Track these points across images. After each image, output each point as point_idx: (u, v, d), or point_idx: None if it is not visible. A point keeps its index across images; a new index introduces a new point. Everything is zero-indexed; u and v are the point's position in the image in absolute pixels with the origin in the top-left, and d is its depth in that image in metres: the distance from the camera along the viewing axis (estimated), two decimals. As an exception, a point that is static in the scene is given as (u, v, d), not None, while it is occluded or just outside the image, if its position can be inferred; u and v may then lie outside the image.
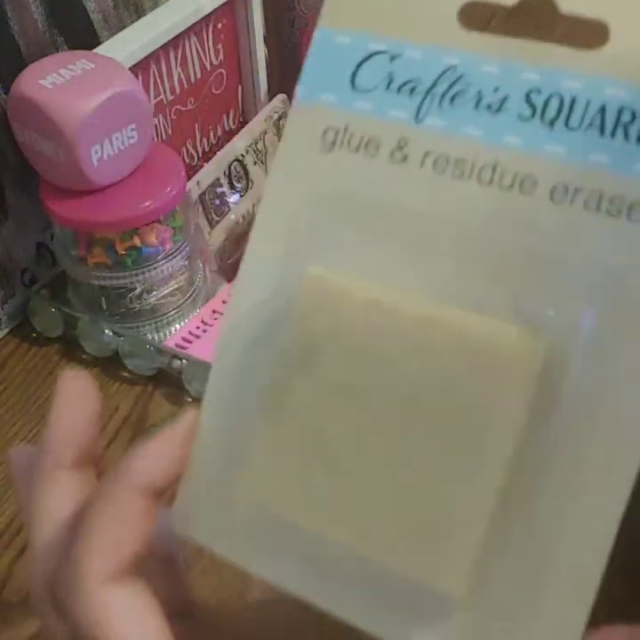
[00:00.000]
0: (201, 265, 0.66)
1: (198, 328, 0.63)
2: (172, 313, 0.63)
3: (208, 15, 0.69)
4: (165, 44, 0.65)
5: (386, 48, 0.24)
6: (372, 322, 0.22)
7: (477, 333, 0.21)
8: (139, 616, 0.23)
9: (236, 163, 0.69)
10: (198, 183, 0.65)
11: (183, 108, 0.71)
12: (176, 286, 0.63)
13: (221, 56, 0.73)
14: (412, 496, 0.21)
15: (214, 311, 0.64)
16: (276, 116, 0.72)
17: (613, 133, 0.21)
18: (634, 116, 0.21)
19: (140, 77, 0.64)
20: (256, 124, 0.71)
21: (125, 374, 0.62)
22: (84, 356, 0.63)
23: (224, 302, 0.65)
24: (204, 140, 0.75)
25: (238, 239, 0.69)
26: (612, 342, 0.20)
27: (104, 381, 0.62)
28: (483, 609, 0.21)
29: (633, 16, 0.21)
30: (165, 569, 0.27)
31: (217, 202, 0.67)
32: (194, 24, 0.67)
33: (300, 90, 0.25)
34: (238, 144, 0.70)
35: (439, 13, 0.23)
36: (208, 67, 0.72)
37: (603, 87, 0.21)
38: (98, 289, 0.62)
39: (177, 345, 0.61)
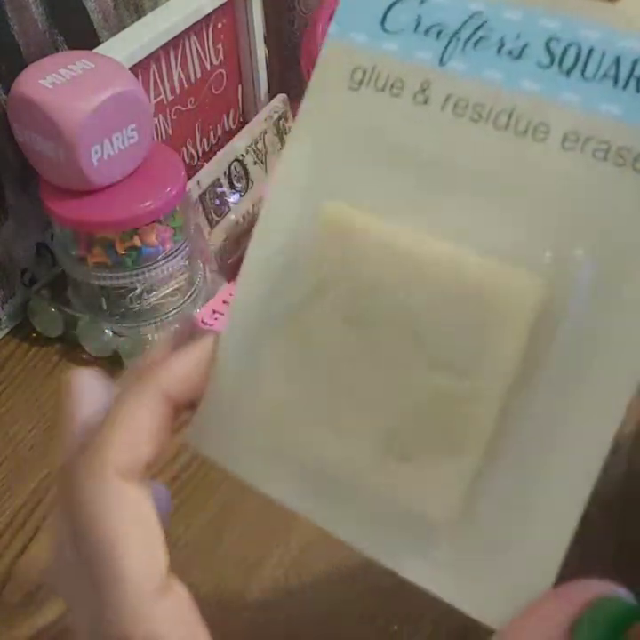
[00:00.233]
0: (201, 265, 0.66)
1: (198, 328, 0.63)
2: (172, 313, 0.63)
3: (208, 15, 0.69)
4: (165, 44, 0.65)
5: None
6: (382, 258, 0.23)
7: (480, 273, 0.22)
8: (138, 518, 0.24)
9: (235, 163, 0.69)
10: (198, 183, 0.65)
11: (183, 108, 0.71)
12: (176, 286, 0.63)
13: (221, 56, 0.73)
14: (406, 423, 0.22)
15: (214, 311, 0.64)
16: (275, 116, 0.72)
17: (626, 85, 0.21)
18: None
19: (140, 77, 0.64)
20: (256, 124, 0.71)
21: (125, 374, 0.62)
22: (84, 356, 0.63)
23: (224, 302, 0.65)
24: (204, 140, 0.75)
25: (238, 239, 0.69)
26: (612, 286, 0.21)
27: (104, 381, 0.62)
28: (470, 537, 0.22)
29: None
30: None
31: (217, 202, 0.67)
32: (194, 24, 0.67)
33: (332, 27, 0.25)
34: (238, 144, 0.70)
35: None
36: (208, 67, 0.72)
37: (618, 38, 0.22)
38: (98, 289, 0.62)
39: (177, 345, 0.61)
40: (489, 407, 0.22)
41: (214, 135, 0.76)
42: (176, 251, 0.61)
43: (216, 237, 0.67)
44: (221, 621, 0.48)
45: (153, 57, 0.65)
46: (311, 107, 0.25)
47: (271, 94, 0.77)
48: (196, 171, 0.67)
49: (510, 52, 0.23)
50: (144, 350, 0.60)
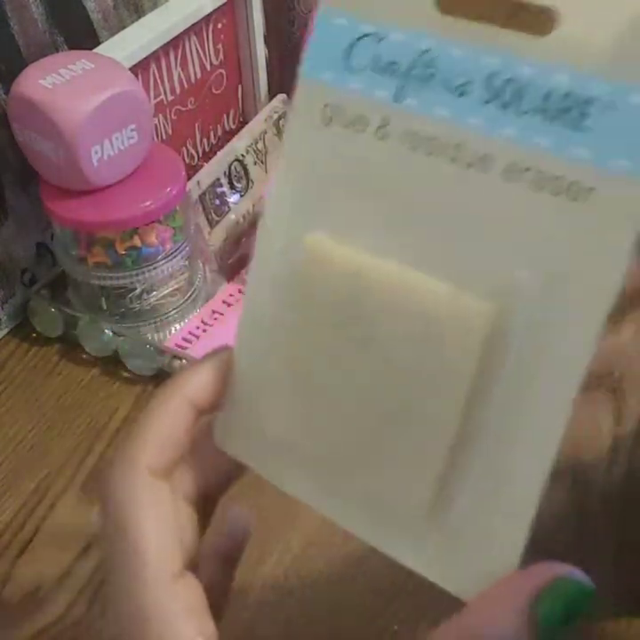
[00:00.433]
0: (201, 265, 0.66)
1: (198, 328, 0.63)
2: (172, 313, 0.63)
3: (208, 15, 0.69)
4: (165, 44, 0.65)
5: (374, 30, 0.26)
6: (352, 286, 0.26)
7: (438, 300, 0.25)
8: (162, 511, 0.27)
9: (236, 163, 0.69)
10: (198, 183, 0.65)
11: (183, 108, 0.71)
12: (176, 286, 0.63)
13: (221, 56, 0.73)
14: (380, 427, 0.26)
15: (214, 311, 0.64)
16: (275, 116, 0.72)
17: (555, 118, 0.23)
18: (574, 103, 0.23)
19: (139, 77, 0.64)
20: (256, 124, 0.71)
21: (125, 374, 0.62)
22: (84, 356, 0.63)
23: (224, 302, 0.65)
24: (204, 140, 0.75)
25: (238, 239, 0.69)
26: (554, 304, 0.23)
27: (104, 381, 0.62)
28: (445, 522, 0.25)
29: (579, 2, 0.23)
30: None
31: (217, 202, 0.67)
32: (194, 24, 0.67)
33: (304, 65, 0.28)
34: (238, 144, 0.70)
35: None
36: (208, 67, 0.72)
37: (550, 73, 0.23)
38: (98, 289, 0.62)
39: (177, 345, 0.61)
40: (450, 414, 0.24)
41: (214, 135, 0.76)
42: (176, 251, 0.61)
43: (216, 237, 0.67)
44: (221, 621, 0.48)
45: (153, 57, 0.65)
46: (291, 140, 0.28)
47: (271, 94, 0.77)
48: (196, 171, 0.67)
49: (456, 89, 0.25)
50: (144, 350, 0.60)
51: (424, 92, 0.25)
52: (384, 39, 0.26)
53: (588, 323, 0.23)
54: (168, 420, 0.27)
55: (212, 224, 0.67)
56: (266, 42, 0.75)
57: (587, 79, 0.23)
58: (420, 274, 0.25)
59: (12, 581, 0.50)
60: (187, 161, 0.73)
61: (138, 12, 0.68)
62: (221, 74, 0.74)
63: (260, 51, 0.75)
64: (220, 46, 0.72)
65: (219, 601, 0.30)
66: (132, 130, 0.57)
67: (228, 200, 0.68)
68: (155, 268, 0.60)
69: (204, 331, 0.63)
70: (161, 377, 0.61)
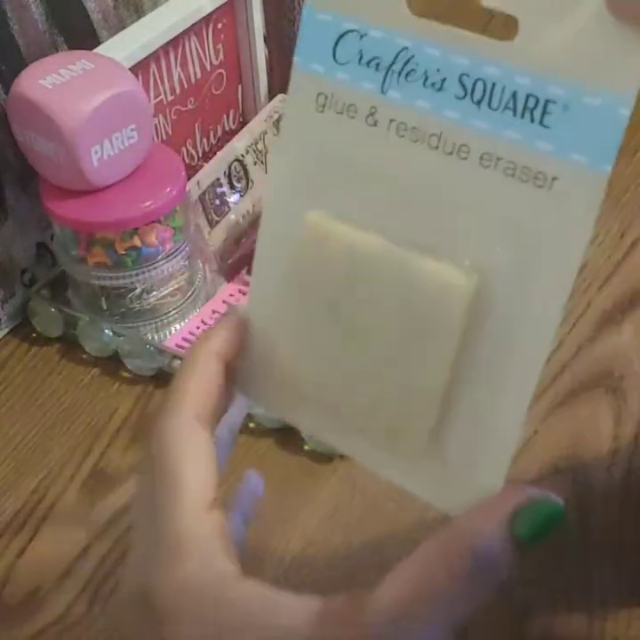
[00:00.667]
0: (201, 265, 0.66)
1: (198, 328, 0.63)
2: (172, 313, 0.63)
3: (208, 15, 0.69)
4: (165, 44, 0.65)
5: (356, 27, 0.29)
6: (349, 259, 0.29)
7: (425, 272, 0.28)
8: (201, 448, 0.29)
9: (236, 163, 0.69)
10: (198, 183, 0.65)
11: (183, 108, 0.71)
12: (176, 286, 0.63)
13: (221, 56, 0.73)
14: (382, 373, 0.29)
15: (214, 311, 0.64)
16: (276, 116, 0.72)
17: (522, 115, 0.26)
18: (536, 102, 0.26)
19: (140, 77, 0.64)
20: (256, 124, 0.71)
21: (125, 374, 0.62)
22: (84, 356, 0.63)
23: (224, 302, 0.65)
24: (204, 140, 0.75)
25: (238, 239, 0.69)
26: (525, 275, 0.27)
27: (104, 381, 0.62)
28: (438, 453, 0.29)
29: (536, 10, 0.26)
30: None
31: (217, 202, 0.67)
32: (194, 24, 0.67)
33: (296, 57, 0.30)
34: (238, 144, 0.70)
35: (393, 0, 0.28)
36: (208, 67, 0.72)
37: (514, 75, 0.26)
38: (98, 289, 0.62)
39: (177, 345, 0.61)
40: (440, 365, 0.28)
41: (214, 135, 0.76)
42: (176, 251, 0.61)
43: (216, 237, 0.67)
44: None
45: (153, 57, 0.65)
46: (290, 123, 0.31)
47: (271, 94, 0.77)
48: (196, 171, 0.67)
49: (433, 84, 0.28)
50: (144, 350, 0.60)
51: (406, 86, 0.28)
52: (366, 35, 0.29)
53: (555, 290, 0.26)
54: (202, 373, 0.30)
55: (211, 224, 0.67)
56: (266, 42, 0.75)
57: (545, 82, 0.26)
58: (409, 249, 0.28)
59: (12, 581, 0.50)
60: (187, 161, 0.73)
61: (138, 12, 0.68)
62: (221, 74, 0.74)
63: (260, 51, 0.75)
64: (219, 46, 0.72)
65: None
66: (132, 130, 0.57)
67: (228, 200, 0.68)
68: (155, 268, 0.60)
69: (204, 331, 0.63)
70: (161, 377, 0.61)
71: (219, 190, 0.67)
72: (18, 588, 0.50)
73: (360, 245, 0.29)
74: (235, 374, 0.32)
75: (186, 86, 0.70)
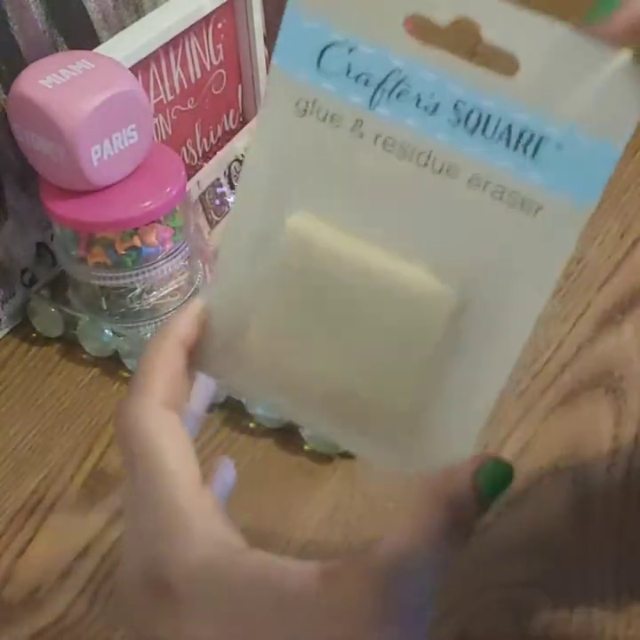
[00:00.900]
0: (201, 265, 0.66)
1: (198, 328, 0.63)
2: (172, 313, 0.63)
3: (208, 15, 0.69)
4: (165, 44, 0.65)
5: (344, 39, 0.29)
6: (336, 263, 0.30)
7: (410, 281, 0.29)
8: (178, 434, 0.30)
9: (236, 163, 0.69)
10: (198, 183, 0.65)
11: (183, 108, 0.71)
12: (176, 286, 0.63)
13: (221, 56, 0.73)
14: (366, 372, 0.30)
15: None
16: (276, 116, 0.72)
17: (516, 147, 0.27)
18: (531, 137, 0.27)
19: (139, 77, 0.64)
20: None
21: (125, 374, 0.62)
22: (84, 356, 0.63)
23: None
24: (204, 140, 0.75)
25: (238, 239, 0.69)
26: (504, 288, 0.29)
27: (104, 381, 0.62)
28: (421, 434, 0.31)
29: (538, 53, 0.27)
30: None
31: (217, 202, 0.67)
32: (194, 24, 0.67)
33: (275, 59, 0.30)
34: (238, 144, 0.70)
35: (389, 18, 0.28)
36: (208, 67, 0.72)
37: (511, 110, 0.27)
38: (98, 289, 0.62)
39: (177, 345, 0.61)
40: (418, 367, 0.30)
41: (214, 135, 0.76)
42: (176, 251, 0.61)
43: (216, 237, 0.67)
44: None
45: (153, 57, 0.65)
46: (266, 125, 0.30)
47: (271, 94, 0.77)
48: (196, 171, 0.67)
49: (426, 108, 0.28)
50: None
51: (396, 105, 0.28)
52: (354, 50, 0.29)
53: (528, 307, 0.28)
54: (167, 359, 0.31)
55: (211, 224, 0.67)
56: (266, 42, 0.75)
57: (542, 120, 0.27)
58: (394, 258, 0.29)
59: (12, 581, 0.50)
60: (187, 161, 0.73)
61: (138, 12, 0.68)
62: (221, 74, 0.74)
63: (260, 51, 0.75)
64: (219, 46, 0.72)
65: None
66: (132, 130, 0.57)
67: (228, 200, 0.68)
68: (155, 268, 0.60)
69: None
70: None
71: (219, 190, 0.67)
72: (18, 588, 0.50)
73: (343, 250, 0.29)
74: (196, 359, 0.32)
75: (186, 86, 0.70)
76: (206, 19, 0.69)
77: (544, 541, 0.51)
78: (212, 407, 0.37)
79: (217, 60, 0.72)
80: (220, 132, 0.76)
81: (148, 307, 0.63)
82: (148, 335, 0.62)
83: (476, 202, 0.28)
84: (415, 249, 0.29)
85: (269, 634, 0.28)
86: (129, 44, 0.63)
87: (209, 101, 0.73)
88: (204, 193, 0.66)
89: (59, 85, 0.55)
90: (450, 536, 0.28)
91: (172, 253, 0.61)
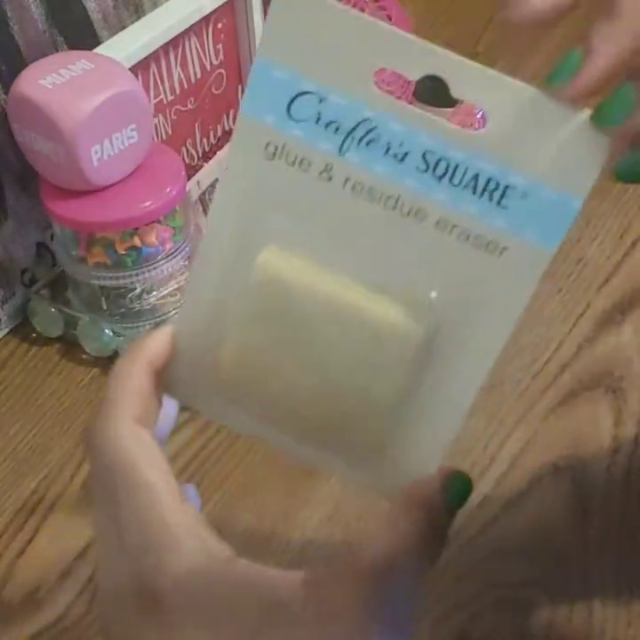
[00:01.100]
0: (201, 265, 0.66)
1: (198, 328, 0.63)
2: (172, 313, 0.63)
3: (208, 15, 0.69)
4: (165, 44, 0.65)
5: (315, 90, 0.29)
6: (306, 299, 0.30)
7: (378, 316, 0.30)
8: (153, 450, 0.30)
9: (235, 163, 0.69)
10: (198, 183, 0.65)
11: (183, 108, 0.71)
12: (176, 286, 0.63)
13: (221, 56, 0.73)
14: (334, 400, 0.31)
15: (214, 311, 0.64)
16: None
17: (482, 194, 0.29)
18: (497, 186, 0.29)
19: (139, 77, 0.64)
20: (256, 124, 0.71)
21: (125, 374, 0.62)
22: (84, 356, 0.63)
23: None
24: (204, 140, 0.75)
25: (238, 239, 0.69)
26: (468, 324, 0.30)
27: (104, 381, 0.62)
28: (392, 456, 0.32)
29: (504, 109, 0.28)
30: None
31: (217, 202, 0.67)
32: (194, 24, 0.67)
33: (244, 105, 0.30)
34: (238, 144, 0.69)
35: (359, 71, 0.29)
36: (208, 67, 0.72)
37: (478, 161, 0.29)
38: (98, 289, 0.62)
39: (177, 345, 0.61)
40: (390, 393, 0.31)
41: (214, 135, 0.76)
42: (176, 251, 0.61)
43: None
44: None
45: (153, 57, 0.65)
46: (235, 167, 0.31)
47: (271, 94, 0.77)
48: (196, 171, 0.67)
49: (395, 155, 0.29)
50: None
51: (366, 152, 0.30)
52: (325, 100, 0.29)
53: (493, 340, 0.30)
54: (137, 381, 0.32)
55: (211, 224, 0.67)
56: (266, 42, 0.75)
57: (508, 171, 0.29)
58: (363, 293, 0.30)
59: (12, 581, 0.50)
60: (187, 161, 0.73)
61: (138, 12, 0.68)
62: (221, 74, 0.74)
63: (260, 51, 0.75)
64: (219, 46, 0.72)
65: None
66: (132, 130, 0.57)
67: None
68: (155, 268, 0.60)
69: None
70: (161, 377, 0.61)
71: (219, 190, 0.67)
72: (18, 588, 0.50)
73: (312, 285, 0.30)
74: (163, 383, 0.33)
75: (186, 86, 0.70)
76: (206, 19, 0.69)
77: (544, 541, 0.51)
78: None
79: (217, 59, 0.72)
80: (219, 132, 0.76)
81: (148, 307, 0.63)
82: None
83: (443, 243, 0.30)
84: (383, 285, 0.30)
85: None
86: (129, 44, 0.63)
87: (209, 101, 0.73)
88: (203, 193, 0.66)
89: (59, 85, 0.55)
90: (427, 543, 0.29)
91: (171, 253, 0.61)
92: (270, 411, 0.32)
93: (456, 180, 0.29)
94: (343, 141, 0.30)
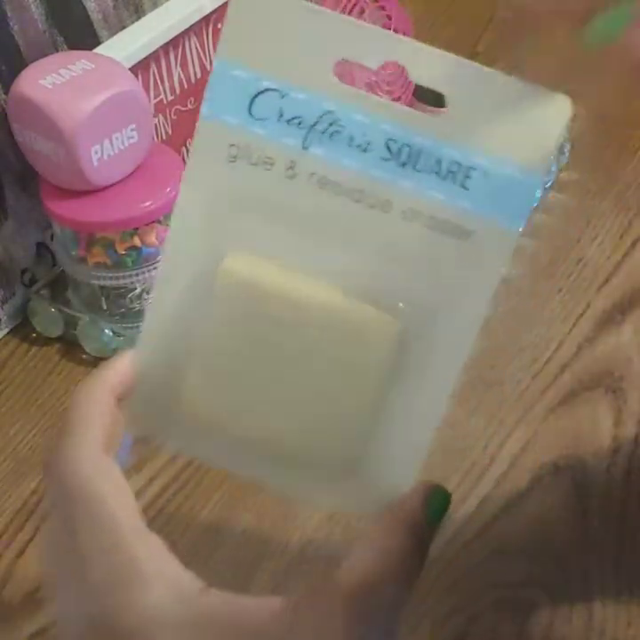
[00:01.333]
0: (201, 265, 0.66)
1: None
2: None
3: (208, 15, 0.69)
4: (165, 44, 0.65)
5: (276, 87, 0.29)
6: (278, 301, 0.30)
7: (352, 314, 0.30)
8: (119, 480, 0.29)
9: (236, 163, 0.69)
10: (198, 183, 0.65)
11: (183, 108, 0.70)
12: (176, 286, 0.63)
13: (221, 56, 0.73)
14: (307, 409, 0.31)
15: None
16: (276, 116, 0.72)
17: (445, 178, 0.29)
18: (460, 168, 0.29)
19: (139, 77, 0.64)
20: (256, 124, 0.71)
21: (125, 374, 0.62)
22: (84, 356, 0.63)
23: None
24: (204, 139, 0.75)
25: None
26: (441, 313, 0.30)
27: (104, 381, 0.62)
28: (364, 474, 0.31)
29: (463, 91, 0.29)
30: None
31: (217, 202, 0.67)
32: (194, 24, 0.67)
33: (205, 107, 0.30)
34: (238, 144, 0.70)
35: (319, 64, 0.29)
36: (208, 67, 0.72)
37: (440, 145, 0.29)
38: (98, 289, 0.62)
39: (177, 345, 0.61)
40: (366, 397, 0.30)
41: (214, 135, 0.76)
42: (176, 251, 0.61)
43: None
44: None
45: (153, 57, 0.65)
46: (196, 172, 0.31)
47: (271, 94, 0.76)
48: (196, 171, 0.67)
49: (359, 146, 0.29)
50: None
51: (329, 145, 0.29)
52: (287, 96, 0.29)
53: (468, 325, 0.30)
54: (99, 406, 0.31)
55: (211, 224, 0.67)
56: (266, 42, 0.75)
57: (469, 153, 0.29)
58: (334, 291, 0.30)
59: (12, 581, 0.50)
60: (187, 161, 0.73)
61: (138, 12, 0.68)
62: (221, 74, 0.74)
63: (260, 51, 0.75)
64: (219, 46, 0.72)
65: None
66: (132, 130, 0.57)
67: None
68: (155, 268, 0.60)
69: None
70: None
71: (219, 190, 0.67)
72: (18, 588, 0.50)
73: (281, 287, 0.30)
74: (123, 412, 0.32)
75: (186, 86, 0.70)
76: (206, 19, 0.69)
77: (544, 541, 0.51)
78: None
79: (217, 59, 0.72)
80: (219, 132, 0.76)
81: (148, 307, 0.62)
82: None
83: (411, 233, 0.30)
84: (354, 282, 0.30)
85: None
86: (129, 44, 0.63)
87: (209, 101, 0.73)
88: (203, 193, 0.66)
89: (59, 85, 0.55)
90: (410, 559, 0.29)
91: (171, 253, 0.61)
92: (240, 435, 0.31)
93: (420, 166, 0.29)
94: (306, 136, 0.30)
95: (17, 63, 0.58)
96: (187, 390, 0.31)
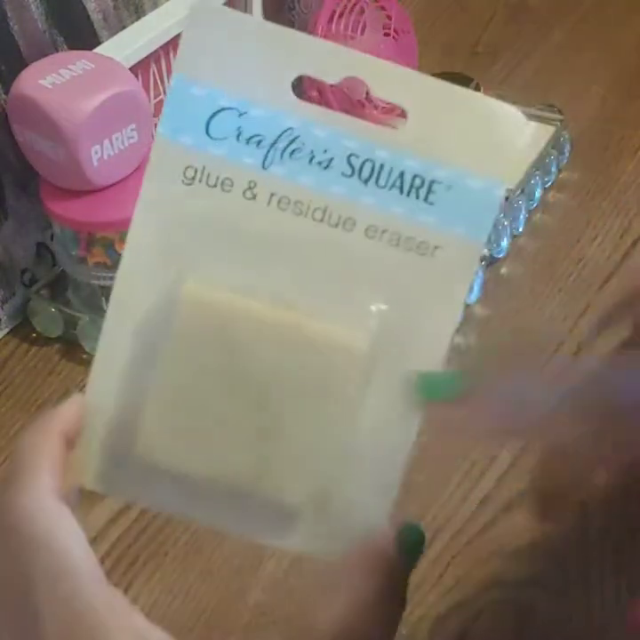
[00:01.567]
0: (201, 265, 0.66)
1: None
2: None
3: (208, 15, 0.69)
4: (165, 44, 0.65)
5: (234, 105, 0.29)
6: (241, 325, 0.29)
7: (316, 335, 0.29)
8: (73, 528, 0.28)
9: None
10: (198, 183, 0.65)
11: (183, 108, 0.70)
12: (176, 286, 0.63)
13: (221, 56, 0.73)
14: (265, 444, 0.29)
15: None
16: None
17: (409, 193, 0.29)
18: (422, 182, 0.29)
19: (139, 77, 0.64)
20: (256, 124, 0.71)
21: (125, 374, 0.62)
22: (84, 356, 0.63)
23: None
24: (204, 139, 0.75)
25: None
26: (405, 326, 0.29)
27: (104, 381, 0.62)
28: (329, 512, 0.30)
29: (423, 104, 0.29)
30: None
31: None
32: (194, 24, 0.67)
33: (161, 125, 0.29)
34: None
35: (277, 82, 0.29)
36: (208, 67, 0.72)
37: (402, 159, 0.29)
38: (98, 289, 0.62)
39: (177, 345, 0.61)
40: (333, 426, 0.29)
41: (214, 135, 0.76)
42: (176, 251, 0.61)
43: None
44: (221, 622, 0.48)
45: (153, 57, 0.65)
46: (151, 196, 0.30)
47: (271, 94, 0.76)
48: (196, 171, 0.67)
49: (320, 163, 0.29)
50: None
51: (290, 163, 0.29)
52: (245, 114, 0.29)
53: (434, 342, 0.29)
54: (50, 450, 0.29)
55: (211, 224, 0.67)
56: (266, 42, 0.75)
57: (431, 166, 0.29)
58: (298, 312, 0.29)
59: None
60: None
61: (138, 12, 0.68)
62: (221, 74, 0.74)
63: (260, 51, 0.75)
64: (219, 46, 0.72)
65: None
66: (132, 130, 0.57)
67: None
68: (155, 268, 0.60)
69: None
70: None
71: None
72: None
73: (243, 312, 0.29)
74: (73, 464, 0.30)
75: (186, 86, 0.70)
76: (206, 19, 0.69)
77: (545, 541, 0.51)
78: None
79: (217, 59, 0.72)
80: (219, 132, 0.76)
81: (148, 307, 0.63)
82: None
83: (375, 251, 0.29)
84: (317, 303, 0.29)
85: None
86: (129, 44, 0.63)
87: (209, 101, 0.73)
88: (203, 193, 0.66)
89: (59, 85, 0.55)
90: (388, 601, 0.28)
91: (172, 253, 0.61)
92: (198, 475, 0.29)
93: (382, 182, 0.29)
94: (266, 154, 0.29)
95: (17, 63, 0.58)
96: (142, 433, 0.29)
